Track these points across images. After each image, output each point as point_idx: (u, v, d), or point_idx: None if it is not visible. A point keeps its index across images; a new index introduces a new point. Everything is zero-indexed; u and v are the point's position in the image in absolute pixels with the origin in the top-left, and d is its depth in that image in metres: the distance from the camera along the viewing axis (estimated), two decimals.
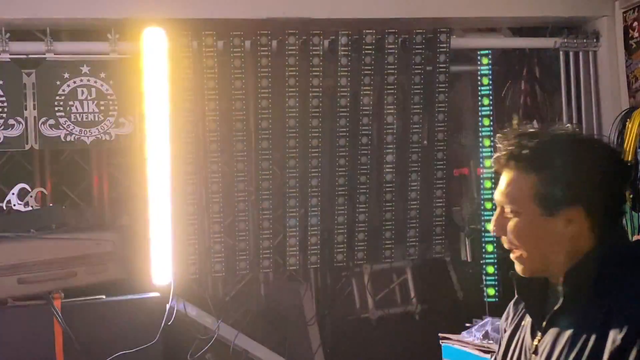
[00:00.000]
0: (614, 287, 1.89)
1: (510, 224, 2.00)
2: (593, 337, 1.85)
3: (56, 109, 4.16)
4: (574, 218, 1.94)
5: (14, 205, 4.10)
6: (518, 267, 2.03)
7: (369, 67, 4.47)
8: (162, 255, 4.11)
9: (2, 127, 4.09)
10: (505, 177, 2.04)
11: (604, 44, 4.80)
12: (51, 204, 4.31)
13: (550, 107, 5.06)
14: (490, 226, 2.10)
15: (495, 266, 4.59)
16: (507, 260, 2.05)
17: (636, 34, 4.60)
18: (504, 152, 2.05)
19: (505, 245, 2.05)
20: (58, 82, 4.16)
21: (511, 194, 2.00)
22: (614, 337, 1.81)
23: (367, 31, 4.45)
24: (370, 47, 4.46)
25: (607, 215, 1.97)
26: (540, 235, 1.97)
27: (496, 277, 4.58)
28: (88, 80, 4.20)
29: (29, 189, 4.17)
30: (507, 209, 2.00)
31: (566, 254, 1.96)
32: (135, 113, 4.23)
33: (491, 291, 4.57)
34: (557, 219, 1.95)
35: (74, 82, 4.19)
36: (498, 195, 2.04)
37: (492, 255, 4.60)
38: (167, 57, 4.11)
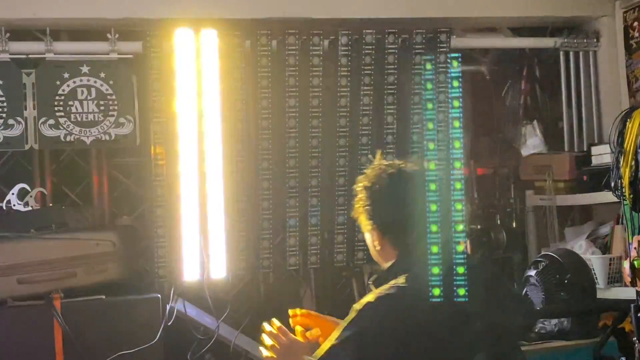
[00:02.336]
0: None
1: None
2: None
3: (56, 109, 4.16)
4: (376, 238, 2.67)
5: (14, 205, 4.10)
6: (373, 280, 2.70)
7: (369, 67, 4.47)
8: (162, 255, 4.11)
9: (1, 127, 4.09)
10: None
11: (604, 44, 4.81)
12: (51, 204, 4.32)
13: (550, 107, 5.06)
14: None
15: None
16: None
17: (636, 34, 4.60)
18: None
19: None
20: (58, 82, 4.16)
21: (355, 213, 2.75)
22: None
23: (367, 31, 4.45)
24: (370, 47, 4.46)
25: (399, 236, 2.62)
26: (370, 249, 2.72)
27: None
28: (88, 80, 4.20)
29: (29, 189, 4.17)
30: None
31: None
32: (135, 112, 4.23)
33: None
34: (371, 239, 2.68)
35: (74, 82, 4.19)
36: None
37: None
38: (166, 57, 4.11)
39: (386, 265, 2.67)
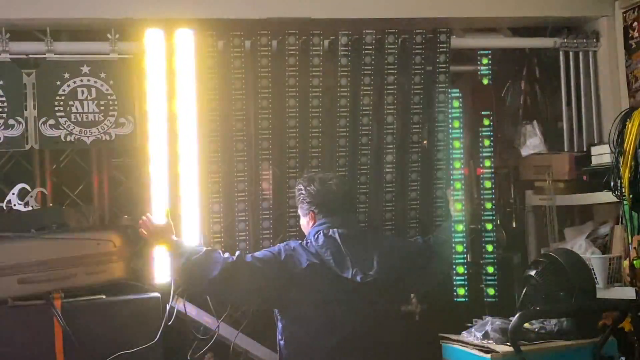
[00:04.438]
0: None
1: None
2: None
3: (56, 109, 4.16)
4: (310, 217, 3.97)
5: (14, 205, 4.11)
6: None
7: (369, 67, 4.47)
8: (162, 255, 4.11)
9: (2, 127, 4.10)
10: None
11: (604, 44, 4.81)
12: (51, 204, 4.32)
13: (550, 107, 5.06)
14: None
15: (495, 266, 4.59)
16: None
17: (636, 34, 4.60)
18: None
19: None
20: (58, 82, 4.17)
21: None
22: None
23: (367, 31, 4.45)
24: (370, 47, 4.46)
25: (321, 215, 3.93)
26: (305, 228, 4.03)
27: (496, 277, 4.57)
28: (88, 80, 4.21)
29: (29, 189, 4.17)
30: None
31: None
32: (135, 112, 4.23)
33: (491, 291, 4.56)
34: (306, 219, 4.01)
35: (74, 82, 4.19)
36: None
37: (492, 255, 4.60)
38: (164, 57, 4.12)
39: None
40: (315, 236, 3.87)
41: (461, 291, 4.48)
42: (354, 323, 3.73)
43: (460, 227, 4.45)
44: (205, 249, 3.87)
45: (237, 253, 3.86)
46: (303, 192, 4.00)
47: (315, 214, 3.97)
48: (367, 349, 3.76)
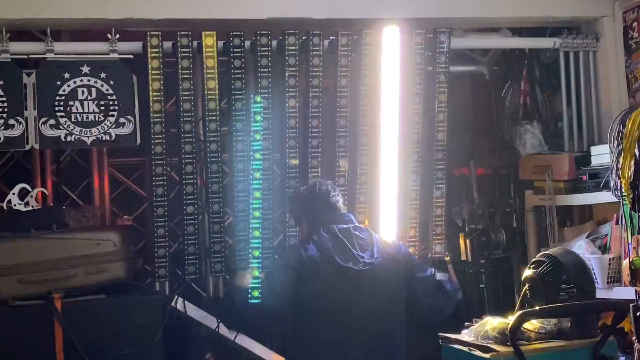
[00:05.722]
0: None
1: None
2: None
3: (56, 109, 4.16)
4: (305, 224, 3.87)
5: (14, 205, 4.11)
6: None
7: (369, 67, 4.47)
8: (162, 255, 4.12)
9: (2, 127, 4.10)
10: None
11: (604, 44, 4.81)
12: (52, 204, 4.32)
13: (550, 107, 5.06)
14: None
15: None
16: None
17: (636, 34, 4.60)
18: None
19: None
20: (58, 82, 4.17)
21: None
22: None
23: (366, 31, 4.45)
24: (370, 47, 4.46)
25: (312, 221, 3.83)
26: (302, 234, 3.98)
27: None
28: (88, 81, 4.21)
29: (29, 189, 4.17)
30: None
31: None
32: (135, 112, 4.24)
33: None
34: (302, 226, 3.93)
35: (74, 82, 4.19)
36: None
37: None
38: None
39: None
40: (315, 236, 3.86)
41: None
42: (357, 310, 3.72)
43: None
44: None
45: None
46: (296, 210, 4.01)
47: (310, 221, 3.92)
48: (370, 336, 3.75)
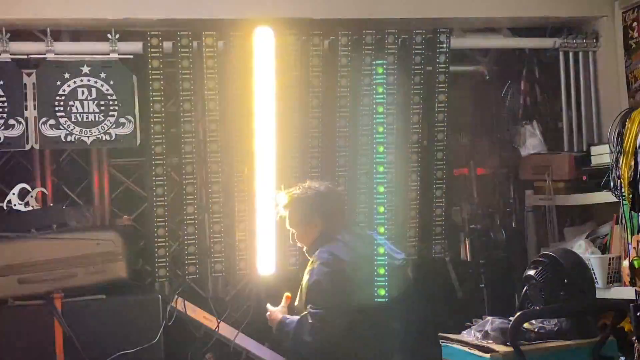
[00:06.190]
0: (319, 249, 3.74)
1: (295, 235, 3.86)
2: (308, 270, 3.75)
3: (56, 109, 4.17)
4: (318, 223, 3.81)
5: (14, 205, 4.11)
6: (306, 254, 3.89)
7: (369, 67, 4.47)
8: (162, 255, 4.12)
9: (2, 127, 4.10)
10: (287, 214, 3.85)
11: (604, 44, 4.81)
12: (51, 204, 4.32)
13: (550, 107, 5.06)
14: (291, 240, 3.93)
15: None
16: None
17: (636, 34, 4.60)
18: (280, 204, 3.88)
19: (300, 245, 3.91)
20: (58, 82, 4.17)
21: (289, 222, 3.85)
22: (308, 271, 3.73)
23: (367, 31, 4.45)
24: (370, 47, 4.46)
25: (328, 220, 3.81)
26: (306, 235, 3.85)
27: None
28: (88, 81, 4.21)
29: (29, 189, 4.18)
30: (291, 229, 3.86)
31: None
32: (135, 112, 4.24)
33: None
34: (310, 226, 3.81)
35: (74, 82, 4.19)
36: (288, 225, 3.87)
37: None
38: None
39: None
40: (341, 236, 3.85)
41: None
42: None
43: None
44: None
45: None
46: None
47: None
48: (380, 326, 3.79)
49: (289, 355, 4.14)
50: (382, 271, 4.13)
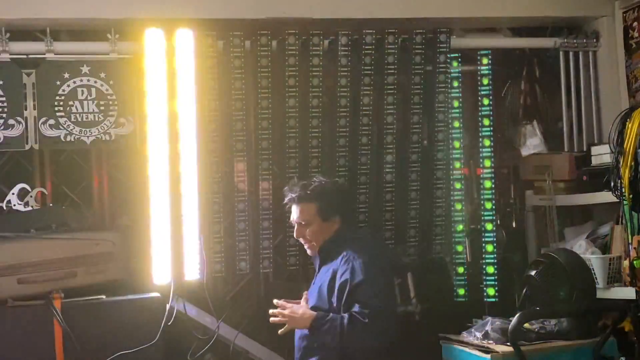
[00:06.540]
0: (343, 247, 3.78)
1: (307, 231, 3.86)
2: (333, 269, 3.77)
3: (56, 109, 4.17)
4: (336, 220, 3.85)
5: (14, 205, 4.11)
6: (310, 251, 3.94)
7: (369, 67, 4.47)
8: (162, 256, 4.12)
9: (2, 127, 4.10)
10: (296, 208, 3.86)
11: (604, 44, 4.81)
12: (51, 204, 4.32)
13: (550, 107, 5.06)
14: (295, 235, 3.94)
15: (495, 266, 4.59)
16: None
17: (636, 34, 4.60)
18: (294, 195, 3.86)
19: (304, 243, 3.93)
20: (58, 82, 4.17)
21: (303, 216, 3.84)
22: (342, 270, 3.72)
23: (367, 31, 4.45)
24: (370, 47, 4.46)
25: (345, 217, 3.90)
26: (321, 232, 3.85)
27: (496, 277, 4.57)
28: (88, 80, 4.21)
29: (29, 189, 4.17)
30: (303, 224, 3.86)
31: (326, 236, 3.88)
32: (135, 113, 4.23)
33: (491, 291, 4.57)
34: (329, 222, 3.84)
35: (74, 82, 4.20)
36: (296, 218, 3.87)
37: (492, 255, 4.60)
38: (164, 58, 4.12)
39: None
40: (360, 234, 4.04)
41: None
42: None
43: (461, 227, 4.46)
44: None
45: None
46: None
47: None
48: None
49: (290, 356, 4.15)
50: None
